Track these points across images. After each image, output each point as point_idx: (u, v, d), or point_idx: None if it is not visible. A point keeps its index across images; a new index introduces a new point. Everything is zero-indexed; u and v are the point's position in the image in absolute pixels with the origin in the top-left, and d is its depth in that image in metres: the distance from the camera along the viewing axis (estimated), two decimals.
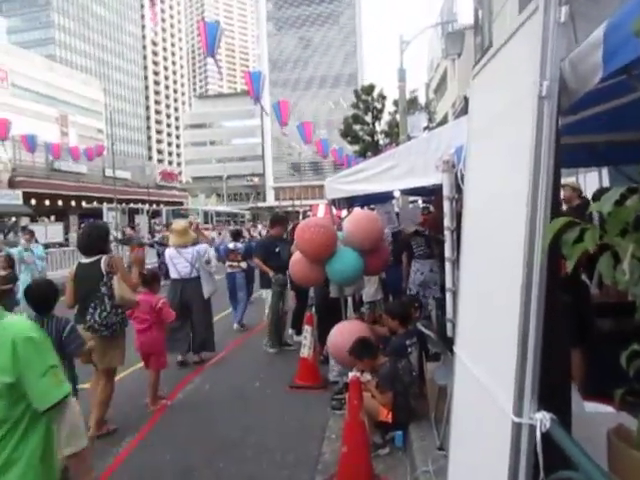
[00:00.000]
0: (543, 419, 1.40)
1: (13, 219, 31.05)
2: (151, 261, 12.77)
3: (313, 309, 6.31)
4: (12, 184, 32.13)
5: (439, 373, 3.58)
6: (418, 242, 6.20)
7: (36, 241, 9.61)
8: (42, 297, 3.60)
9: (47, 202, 34.78)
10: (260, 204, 78.65)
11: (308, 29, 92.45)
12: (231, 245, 8.80)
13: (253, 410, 4.90)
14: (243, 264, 8.55)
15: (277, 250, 6.83)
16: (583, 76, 1.52)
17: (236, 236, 9.21)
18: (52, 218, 32.52)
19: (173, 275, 6.61)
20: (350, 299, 6.23)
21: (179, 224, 7.06)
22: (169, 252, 6.71)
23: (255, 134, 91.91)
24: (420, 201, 10.88)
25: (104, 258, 4.37)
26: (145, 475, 3.75)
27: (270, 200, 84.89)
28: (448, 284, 3.37)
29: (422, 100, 39.53)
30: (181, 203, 47.70)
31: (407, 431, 3.96)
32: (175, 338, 6.23)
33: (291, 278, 5.86)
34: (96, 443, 4.15)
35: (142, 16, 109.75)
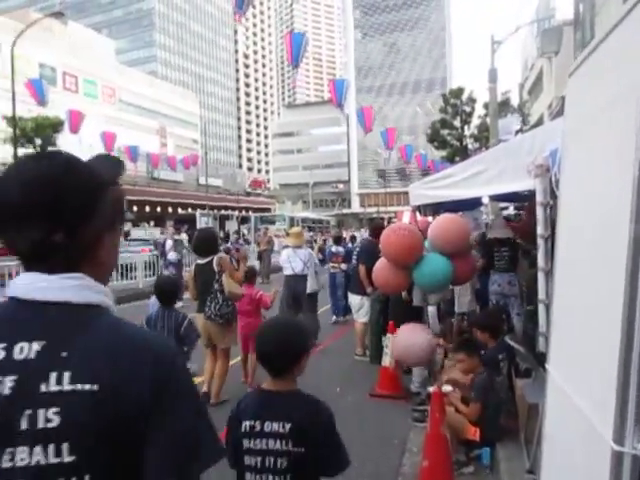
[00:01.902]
0: None
1: None
2: None
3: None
4: None
5: (530, 390, 3.37)
6: (501, 254, 6.09)
7: None
8: (170, 291, 4.17)
9: (147, 208, 37.34)
10: (345, 211, 79.11)
11: (395, 35, 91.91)
12: (333, 248, 9.90)
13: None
14: (343, 265, 9.39)
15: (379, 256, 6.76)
16: None
17: (337, 240, 10.34)
18: (151, 223, 34.86)
19: (288, 272, 7.50)
20: (434, 309, 6.04)
21: (295, 229, 8.26)
22: (287, 252, 7.66)
23: (341, 141, 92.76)
24: (511, 208, 10.36)
25: (215, 258, 5.06)
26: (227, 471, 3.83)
27: (355, 207, 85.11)
28: (541, 296, 3.17)
29: (515, 102, 37.86)
30: (268, 209, 49.17)
31: (494, 450, 3.75)
32: None
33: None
34: None
35: (235, 31, 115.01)
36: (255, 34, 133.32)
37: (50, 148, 23.35)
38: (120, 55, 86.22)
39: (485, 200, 6.42)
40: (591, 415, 1.55)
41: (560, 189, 2.35)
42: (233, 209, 41.19)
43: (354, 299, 7.12)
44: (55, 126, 23.46)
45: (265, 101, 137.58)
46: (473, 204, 6.92)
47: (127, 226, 33.71)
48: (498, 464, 3.59)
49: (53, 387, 0.78)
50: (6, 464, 0.76)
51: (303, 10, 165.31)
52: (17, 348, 0.81)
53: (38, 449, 0.77)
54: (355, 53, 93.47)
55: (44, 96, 22.94)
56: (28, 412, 0.77)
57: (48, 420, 0.77)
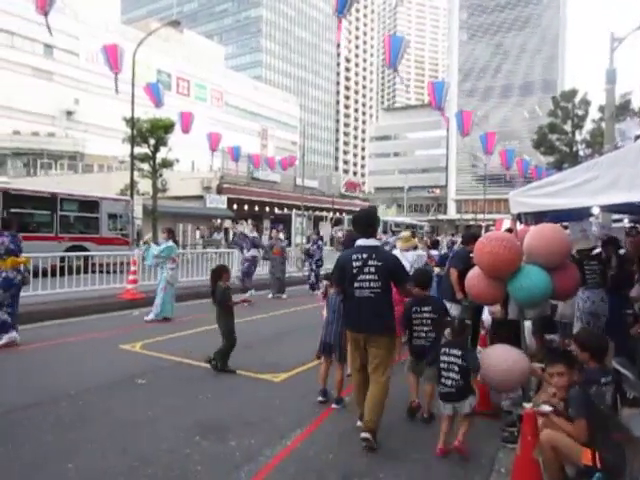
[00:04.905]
0: None
1: (219, 221, 35.47)
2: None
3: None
4: (220, 190, 36.73)
5: (637, 422, 3.04)
6: (592, 268, 5.82)
7: (174, 240, 10.01)
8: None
9: (246, 207, 38.92)
10: (441, 216, 77.16)
11: (503, 35, 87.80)
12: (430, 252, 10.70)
13: (419, 427, 4.76)
14: (437, 269, 9.53)
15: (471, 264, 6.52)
16: None
17: (434, 245, 11.12)
18: (249, 221, 36.26)
19: None
20: (530, 324, 5.66)
21: (405, 233, 8.91)
22: (395, 253, 8.09)
23: (439, 145, 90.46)
24: (626, 220, 9.49)
25: None
26: (308, 472, 3.87)
27: (451, 212, 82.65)
28: None
29: (636, 105, 34.68)
30: None
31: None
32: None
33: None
34: (267, 431, 4.44)
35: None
36: (357, 37, 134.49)
37: (162, 147, 25.17)
38: (228, 60, 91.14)
39: (595, 210, 5.94)
40: None
41: None
42: (328, 210, 41.82)
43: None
44: (167, 127, 25.21)
45: (364, 104, 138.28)
46: (581, 214, 6.43)
47: (227, 223, 35.43)
48: None
49: (373, 263, 4.21)
50: (363, 277, 4.21)
51: (407, 13, 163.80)
52: (362, 255, 4.25)
53: (370, 275, 4.20)
54: (460, 55, 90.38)
55: (160, 99, 24.72)
56: (365, 268, 4.21)
57: (371, 269, 4.20)
